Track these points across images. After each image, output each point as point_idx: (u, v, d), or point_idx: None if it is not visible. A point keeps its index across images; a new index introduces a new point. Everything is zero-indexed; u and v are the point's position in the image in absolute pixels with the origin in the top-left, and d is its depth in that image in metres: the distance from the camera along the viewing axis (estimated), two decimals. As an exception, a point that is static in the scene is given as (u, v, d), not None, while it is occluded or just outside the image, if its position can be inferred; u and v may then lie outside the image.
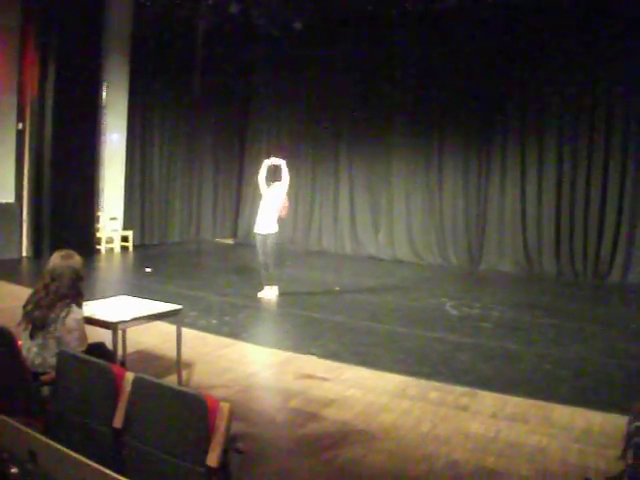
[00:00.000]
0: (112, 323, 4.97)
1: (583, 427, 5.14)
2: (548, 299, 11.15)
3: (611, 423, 5.08)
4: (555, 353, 7.43)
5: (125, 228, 15.41)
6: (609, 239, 12.94)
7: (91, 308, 5.18)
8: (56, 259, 4.30)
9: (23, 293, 4.83)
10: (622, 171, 12.75)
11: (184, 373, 6.05)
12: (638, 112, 12.51)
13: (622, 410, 4.83)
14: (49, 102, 12.78)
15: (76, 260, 4.35)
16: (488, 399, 5.78)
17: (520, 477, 4.24)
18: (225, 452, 2.89)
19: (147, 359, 6.62)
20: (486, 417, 5.33)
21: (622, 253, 12.79)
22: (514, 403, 5.68)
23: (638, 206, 12.62)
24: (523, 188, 14.03)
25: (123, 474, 2.40)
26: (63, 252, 4.36)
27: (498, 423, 5.19)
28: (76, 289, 4.29)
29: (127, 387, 3.23)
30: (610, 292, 12.13)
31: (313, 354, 7.07)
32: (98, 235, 14.64)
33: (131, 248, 15.28)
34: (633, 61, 12.28)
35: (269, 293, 10.09)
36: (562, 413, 5.45)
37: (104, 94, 14.59)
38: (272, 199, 10.18)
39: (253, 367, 6.61)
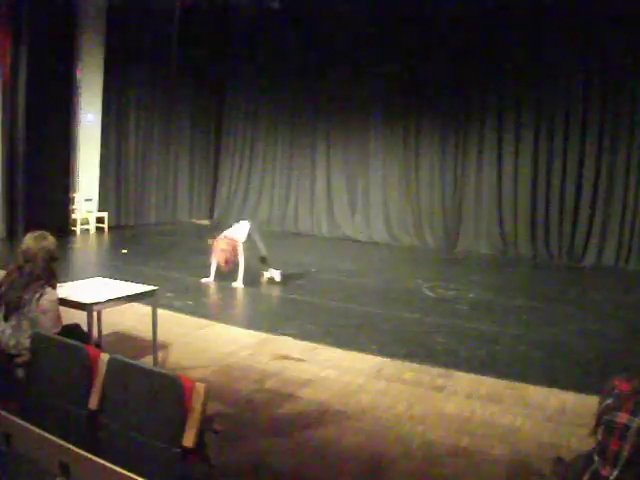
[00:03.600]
0: (87, 304, 4.93)
1: (556, 407, 5.21)
2: (523, 281, 11.27)
3: (583, 403, 5.15)
4: (530, 335, 7.51)
5: (100, 209, 15.29)
6: (584, 222, 13.07)
7: (66, 289, 5.14)
8: (29, 240, 4.24)
9: (-3, 274, 4.77)
10: (598, 156, 12.87)
11: (160, 354, 6.04)
12: (615, 98, 12.59)
13: (594, 390, 4.88)
14: (22, 82, 12.53)
15: (50, 241, 4.30)
16: (463, 380, 5.84)
17: (494, 456, 4.30)
18: (201, 432, 2.90)
19: (123, 340, 6.60)
20: (461, 397, 5.38)
21: (597, 237, 12.94)
22: (489, 384, 5.74)
23: (613, 190, 12.75)
24: (499, 171, 14.13)
25: (99, 455, 2.40)
26: (36, 233, 4.31)
27: (473, 403, 5.24)
28: (50, 270, 4.24)
29: (102, 368, 3.21)
30: (584, 275, 12.25)
31: (289, 335, 7.08)
32: (73, 216, 14.51)
33: (106, 229, 15.16)
34: (610, 45, 12.36)
35: (275, 273, 9.86)
36: (536, 393, 5.52)
37: (78, 73, 14.39)
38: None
39: (229, 348, 6.60)
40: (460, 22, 13.74)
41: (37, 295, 4.07)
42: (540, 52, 13.14)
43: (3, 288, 4.16)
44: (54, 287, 4.26)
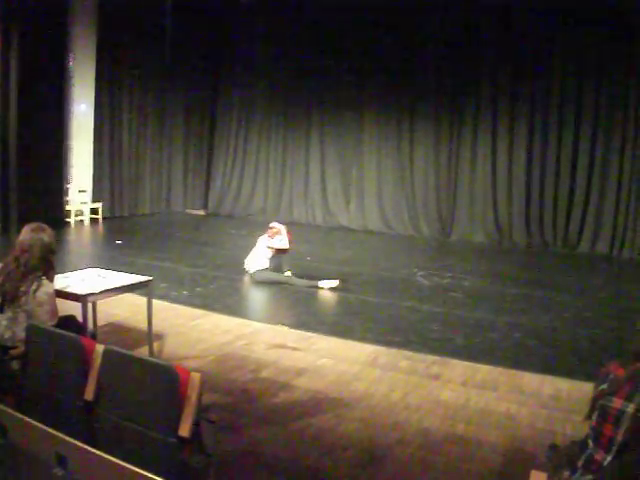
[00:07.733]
0: (81, 295, 4.92)
1: (551, 394, 5.24)
2: (518, 269, 11.27)
3: (578, 389, 5.18)
4: (524, 322, 7.53)
5: (94, 200, 15.25)
6: (578, 210, 13.10)
7: (61, 281, 5.12)
8: (27, 232, 4.23)
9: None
10: (592, 144, 12.90)
11: (156, 345, 6.03)
12: (608, 87, 12.59)
13: (589, 377, 4.91)
14: (13, 73, 12.42)
15: (47, 233, 4.29)
16: (458, 367, 5.86)
17: (489, 443, 4.31)
18: (197, 422, 2.90)
19: (118, 331, 6.59)
20: (456, 385, 5.40)
21: (591, 224, 12.97)
22: (484, 371, 5.76)
23: (607, 178, 12.77)
24: (494, 159, 14.13)
25: (95, 446, 2.40)
26: (34, 225, 4.30)
27: (468, 391, 5.26)
28: (47, 262, 4.23)
29: (97, 359, 3.21)
30: (579, 262, 12.27)
31: (284, 324, 7.09)
32: (67, 208, 14.46)
33: (101, 220, 15.14)
34: (602, 38, 12.34)
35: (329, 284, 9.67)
36: (531, 380, 5.55)
37: (71, 64, 14.33)
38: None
39: (225, 338, 6.60)
40: (457, 10, 13.71)
41: (34, 287, 4.06)
42: (536, 42, 13.13)
43: (0, 279, 4.14)
44: (51, 279, 4.25)
